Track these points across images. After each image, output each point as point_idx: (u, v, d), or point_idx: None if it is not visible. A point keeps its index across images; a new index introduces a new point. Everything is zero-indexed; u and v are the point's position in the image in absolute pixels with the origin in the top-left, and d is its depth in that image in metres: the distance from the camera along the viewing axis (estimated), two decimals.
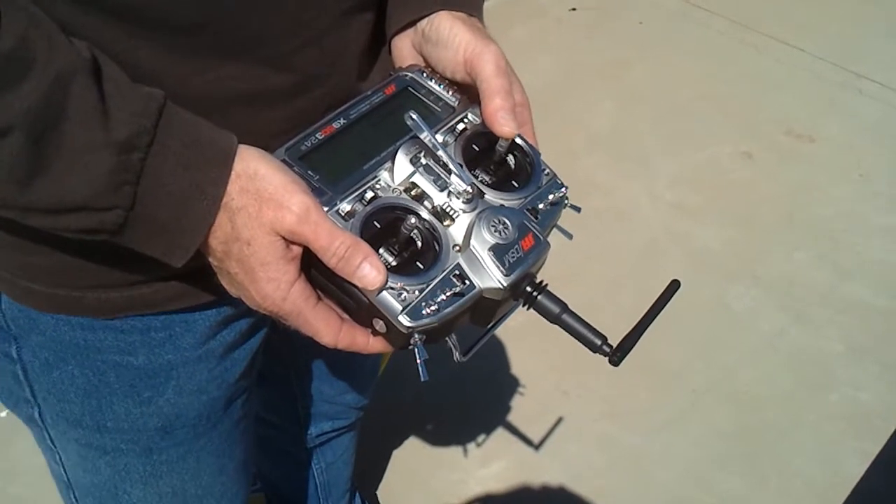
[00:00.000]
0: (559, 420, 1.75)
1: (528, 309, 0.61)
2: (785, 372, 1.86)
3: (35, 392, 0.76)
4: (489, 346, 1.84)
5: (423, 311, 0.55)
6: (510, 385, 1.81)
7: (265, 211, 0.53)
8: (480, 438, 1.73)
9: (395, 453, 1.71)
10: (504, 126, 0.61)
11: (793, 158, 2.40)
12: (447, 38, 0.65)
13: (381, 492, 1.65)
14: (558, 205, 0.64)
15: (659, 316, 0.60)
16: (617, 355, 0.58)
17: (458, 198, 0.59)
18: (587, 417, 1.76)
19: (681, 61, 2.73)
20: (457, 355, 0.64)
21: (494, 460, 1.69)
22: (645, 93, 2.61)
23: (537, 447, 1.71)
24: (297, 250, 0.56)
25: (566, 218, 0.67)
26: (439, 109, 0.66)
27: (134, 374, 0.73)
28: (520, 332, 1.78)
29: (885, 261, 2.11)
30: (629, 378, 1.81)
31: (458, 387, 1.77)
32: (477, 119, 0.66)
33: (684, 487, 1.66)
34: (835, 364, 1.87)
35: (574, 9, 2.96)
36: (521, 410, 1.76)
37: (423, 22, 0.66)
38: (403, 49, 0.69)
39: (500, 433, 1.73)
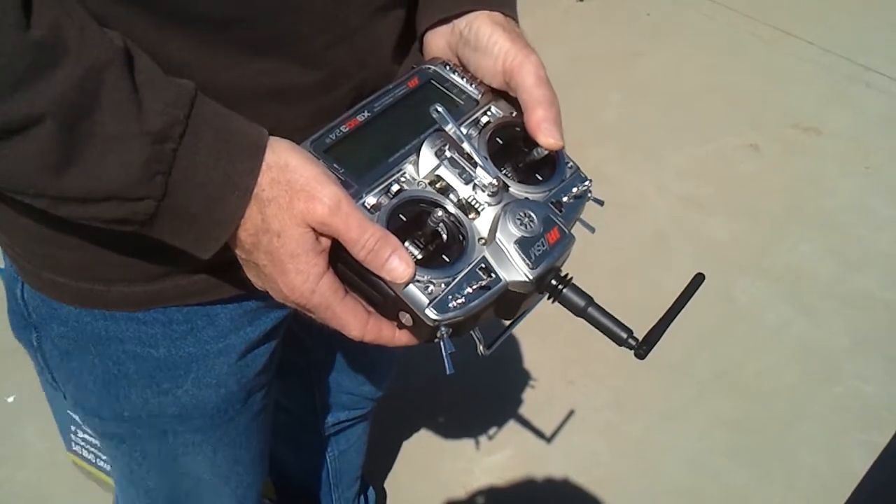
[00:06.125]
0: (564, 410, 1.76)
1: (553, 302, 0.61)
2: (790, 364, 1.86)
3: (56, 378, 0.77)
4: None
5: (450, 305, 0.55)
6: (515, 374, 1.81)
7: (296, 202, 0.53)
8: (485, 428, 1.73)
9: (401, 443, 1.72)
10: (549, 137, 0.61)
11: (800, 151, 2.40)
12: (486, 44, 0.64)
13: (388, 481, 1.66)
14: (582, 198, 0.64)
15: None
16: (643, 348, 0.58)
17: (483, 191, 0.59)
18: (592, 407, 1.77)
19: (688, 53, 2.73)
20: (481, 349, 0.64)
21: (499, 450, 1.70)
22: (652, 84, 2.60)
23: (542, 437, 1.72)
24: (326, 242, 0.56)
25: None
26: (462, 102, 0.66)
27: (154, 366, 0.74)
28: (525, 321, 1.78)
29: (892, 254, 2.11)
30: (635, 368, 1.80)
31: (462, 376, 1.75)
32: (500, 112, 0.65)
33: (689, 478, 1.66)
34: (841, 356, 1.88)
35: None
36: (526, 400, 1.77)
37: (461, 23, 0.66)
38: (436, 48, 0.68)
39: (505, 423, 1.73)
